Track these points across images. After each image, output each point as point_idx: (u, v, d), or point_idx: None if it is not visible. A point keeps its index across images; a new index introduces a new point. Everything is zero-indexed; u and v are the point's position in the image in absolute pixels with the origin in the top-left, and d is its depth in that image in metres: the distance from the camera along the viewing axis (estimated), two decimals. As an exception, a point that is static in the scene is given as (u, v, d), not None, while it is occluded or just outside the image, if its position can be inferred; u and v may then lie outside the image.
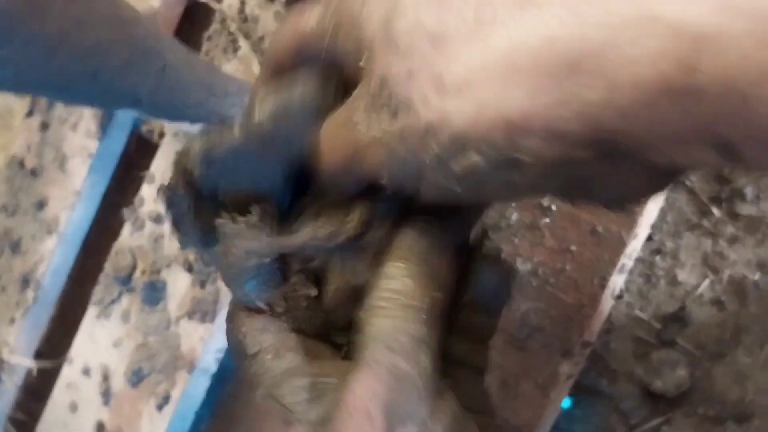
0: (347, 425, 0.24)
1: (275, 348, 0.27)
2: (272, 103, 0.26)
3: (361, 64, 0.23)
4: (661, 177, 0.22)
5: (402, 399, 0.24)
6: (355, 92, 0.24)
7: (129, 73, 0.50)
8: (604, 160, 0.20)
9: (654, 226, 0.70)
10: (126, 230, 0.83)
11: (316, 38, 0.26)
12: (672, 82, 0.17)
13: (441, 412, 0.24)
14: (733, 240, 0.70)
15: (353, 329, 0.26)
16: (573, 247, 0.62)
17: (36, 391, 0.90)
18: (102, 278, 0.83)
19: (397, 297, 0.25)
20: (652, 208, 0.64)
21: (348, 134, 0.24)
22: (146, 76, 0.49)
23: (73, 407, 0.83)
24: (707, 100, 0.17)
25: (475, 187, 0.22)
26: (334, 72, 0.26)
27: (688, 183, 0.72)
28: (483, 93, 0.20)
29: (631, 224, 0.62)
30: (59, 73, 0.46)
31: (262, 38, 0.79)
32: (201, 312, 0.76)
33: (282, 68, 0.28)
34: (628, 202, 0.24)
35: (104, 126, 0.87)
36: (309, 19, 0.26)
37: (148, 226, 0.82)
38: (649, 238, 0.71)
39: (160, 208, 0.82)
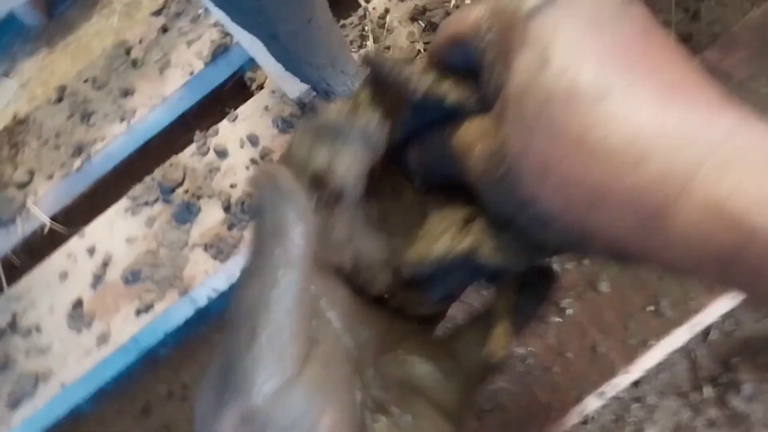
0: None
1: None
2: (428, 82, 0.30)
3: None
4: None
5: None
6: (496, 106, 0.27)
7: (283, 7, 0.54)
8: None
9: (647, 375, 0.71)
10: (189, 150, 0.88)
11: (471, 41, 0.29)
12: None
13: None
14: (710, 424, 0.71)
15: None
16: (569, 354, 0.65)
17: (38, 247, 0.94)
18: (147, 179, 0.87)
19: None
20: (654, 356, 0.66)
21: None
22: (294, 18, 0.54)
23: (63, 276, 0.86)
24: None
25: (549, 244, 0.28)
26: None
27: (694, 354, 0.74)
28: (575, 199, 0.25)
29: (629, 360, 0.64)
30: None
31: (388, 48, 0.84)
32: (217, 249, 0.79)
33: (439, 57, 0.31)
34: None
35: (216, 55, 0.92)
36: (468, 16, 0.29)
37: (210, 156, 0.86)
38: (637, 383, 0.73)
39: (227, 145, 0.86)
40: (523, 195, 0.25)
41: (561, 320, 0.64)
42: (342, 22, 0.88)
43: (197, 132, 0.89)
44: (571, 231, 0.25)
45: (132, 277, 0.82)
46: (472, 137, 0.29)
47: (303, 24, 0.54)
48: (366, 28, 0.85)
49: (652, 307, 0.62)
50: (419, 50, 0.81)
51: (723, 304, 0.63)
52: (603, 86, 0.23)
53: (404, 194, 0.35)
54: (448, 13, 0.81)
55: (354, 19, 0.88)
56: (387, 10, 0.86)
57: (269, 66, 0.71)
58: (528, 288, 0.32)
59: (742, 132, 0.22)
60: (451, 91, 0.30)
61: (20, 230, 0.92)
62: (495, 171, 0.26)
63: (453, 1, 0.81)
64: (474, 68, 0.29)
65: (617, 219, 0.23)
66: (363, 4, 0.89)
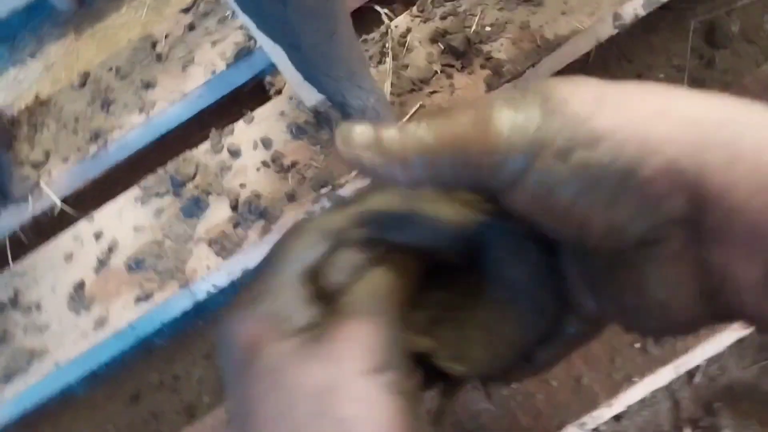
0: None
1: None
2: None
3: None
4: (713, 312, 0.26)
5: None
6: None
7: (308, 20, 0.56)
8: (679, 232, 0.25)
9: (628, 411, 0.73)
10: (204, 146, 0.90)
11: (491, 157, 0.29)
12: None
13: None
14: (687, 465, 0.72)
15: None
16: (553, 382, 0.66)
17: (47, 227, 0.96)
18: (160, 171, 0.89)
19: None
20: (637, 393, 0.67)
21: (472, 120, 0.27)
22: (317, 32, 0.56)
23: (68, 257, 0.88)
24: None
25: (572, 191, 0.25)
26: None
27: (677, 395, 0.75)
28: (636, 114, 0.25)
29: (612, 394, 0.65)
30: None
31: (406, 66, 0.86)
32: (221, 246, 0.81)
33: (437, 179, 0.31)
34: (666, 332, 0.28)
35: (238, 57, 0.94)
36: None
37: (223, 154, 0.88)
38: (618, 418, 0.74)
39: (241, 145, 0.88)
40: (576, 112, 0.25)
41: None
42: (364, 37, 0.90)
43: (213, 130, 0.91)
44: (629, 146, 0.24)
45: (135, 265, 0.83)
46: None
47: (325, 37, 0.56)
48: (387, 45, 0.87)
49: (639, 344, 0.64)
50: (436, 71, 0.83)
51: (710, 347, 0.64)
52: (646, 91, 0.27)
53: None
54: (467, 38, 0.83)
55: (376, 35, 0.90)
56: (409, 30, 0.88)
57: (289, 73, 0.73)
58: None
59: None
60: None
61: (31, 209, 0.94)
62: (538, 101, 0.26)
63: (473, 27, 0.83)
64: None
65: (680, 129, 0.24)
66: (386, 21, 0.91)
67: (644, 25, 0.87)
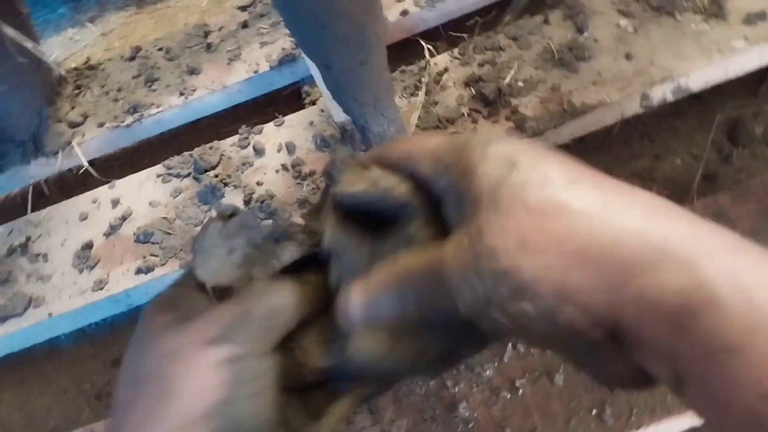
0: None
1: None
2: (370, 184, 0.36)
3: (467, 212, 0.31)
4: (639, 380, 0.30)
5: None
6: (452, 234, 0.32)
7: (342, 45, 0.60)
8: (606, 345, 0.29)
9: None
10: (231, 139, 0.94)
11: (428, 161, 0.34)
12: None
13: None
14: None
15: None
16: (508, 430, 0.68)
17: (69, 184, 1.00)
18: (186, 154, 0.93)
19: None
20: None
21: (428, 265, 0.32)
22: (349, 57, 0.60)
23: (83, 217, 0.92)
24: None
25: (519, 329, 0.29)
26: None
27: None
28: (554, 262, 0.28)
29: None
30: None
31: (436, 103, 0.90)
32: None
33: (385, 165, 0.36)
34: (612, 385, 0.32)
35: (282, 62, 0.98)
36: (429, 144, 0.34)
37: (248, 151, 0.92)
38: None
39: (266, 145, 0.92)
40: (503, 268, 0.29)
41: (510, 396, 0.68)
42: (403, 67, 0.94)
43: (243, 126, 0.95)
44: (547, 297, 0.28)
45: (144, 237, 0.87)
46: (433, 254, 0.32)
47: (357, 64, 0.59)
48: (423, 80, 0.91)
49: (596, 411, 0.66)
50: (463, 113, 0.86)
51: (664, 427, 0.66)
52: (571, 179, 0.29)
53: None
54: (499, 89, 0.86)
55: (415, 68, 0.93)
56: (446, 69, 0.91)
57: (323, 87, 0.77)
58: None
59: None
60: (400, 186, 0.35)
61: (59, 164, 0.99)
62: (469, 257, 0.30)
63: (507, 79, 0.87)
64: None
65: (593, 279, 0.27)
66: (428, 57, 0.94)
67: (671, 109, 0.89)
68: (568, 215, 0.28)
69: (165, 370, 0.32)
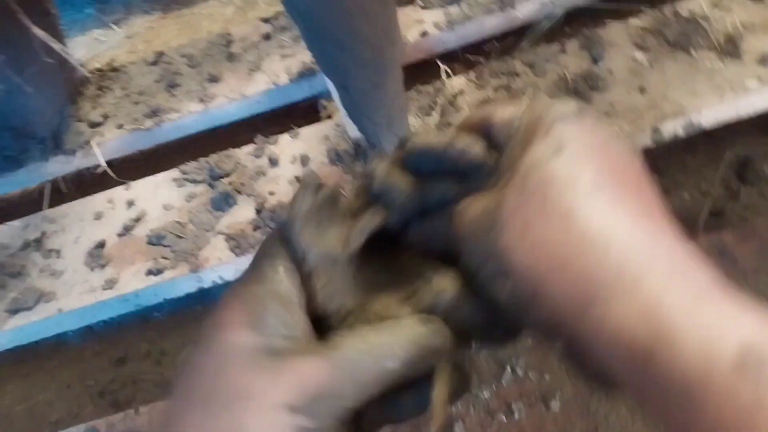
0: None
1: None
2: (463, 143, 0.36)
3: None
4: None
5: None
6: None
7: (360, 68, 0.61)
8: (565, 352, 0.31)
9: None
10: (247, 148, 0.96)
11: (501, 126, 0.35)
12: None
13: None
14: None
15: None
16: (503, 452, 0.69)
17: (86, 183, 1.02)
18: (202, 161, 0.95)
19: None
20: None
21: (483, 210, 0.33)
22: (366, 79, 0.61)
23: (98, 216, 0.94)
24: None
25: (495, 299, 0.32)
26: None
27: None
28: (541, 261, 0.30)
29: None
30: (326, 19, 0.58)
31: (449, 124, 0.91)
32: (237, 243, 0.86)
33: (469, 129, 0.37)
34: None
35: (301, 76, 1.00)
36: (509, 110, 0.35)
37: (263, 160, 0.94)
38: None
39: (281, 156, 0.94)
40: (499, 246, 0.31)
41: (506, 420, 0.69)
42: (419, 86, 0.95)
43: (259, 135, 0.97)
44: (524, 289, 0.30)
45: (156, 239, 0.89)
46: (473, 206, 0.34)
47: (373, 86, 0.61)
48: (437, 101, 0.93)
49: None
50: (476, 137, 0.87)
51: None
52: (597, 185, 0.30)
53: (398, 259, 0.41)
54: (513, 114, 0.87)
55: (431, 88, 0.95)
56: (462, 92, 0.93)
57: (339, 104, 0.79)
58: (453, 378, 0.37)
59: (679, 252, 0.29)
60: (476, 146, 0.35)
61: (77, 162, 1.01)
62: (485, 221, 0.32)
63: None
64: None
65: (567, 289, 0.29)
66: (444, 78, 0.96)
67: (682, 143, 0.90)
68: (569, 224, 0.30)
69: (244, 416, 0.31)
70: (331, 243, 0.37)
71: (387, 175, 0.37)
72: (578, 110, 0.33)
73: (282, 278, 0.35)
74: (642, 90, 0.86)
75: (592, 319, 0.28)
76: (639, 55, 0.90)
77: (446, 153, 0.36)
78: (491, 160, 0.35)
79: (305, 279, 0.36)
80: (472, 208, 0.33)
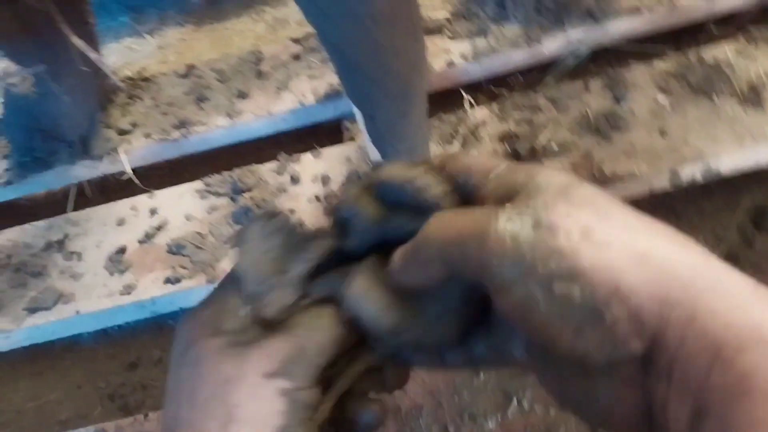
0: None
1: None
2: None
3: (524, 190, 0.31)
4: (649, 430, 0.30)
5: None
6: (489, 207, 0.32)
7: (387, 99, 0.63)
8: (630, 366, 0.29)
9: None
10: (270, 165, 0.97)
11: (483, 175, 0.35)
12: None
13: None
14: None
15: None
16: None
17: (111, 189, 1.04)
18: (225, 174, 0.97)
19: None
20: None
21: (474, 220, 0.31)
22: (393, 110, 0.63)
23: (121, 222, 0.96)
24: None
25: (547, 313, 0.29)
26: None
27: None
28: (615, 259, 0.28)
29: None
30: (357, 52, 0.60)
31: (465, 152, 0.92)
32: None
33: (447, 172, 0.37)
34: (598, 420, 0.32)
35: (328, 97, 1.02)
36: (490, 164, 0.35)
37: (285, 177, 0.95)
38: None
39: (302, 175, 0.95)
40: (560, 246, 0.28)
41: None
42: (442, 114, 0.97)
43: (283, 153, 0.99)
44: (600, 287, 0.27)
45: (176, 248, 0.91)
46: (462, 212, 0.34)
47: (398, 115, 0.63)
48: (459, 130, 0.94)
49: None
50: (496, 169, 0.89)
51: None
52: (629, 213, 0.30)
53: None
54: (533, 148, 0.89)
55: (453, 117, 0.97)
56: (483, 122, 0.95)
57: (363, 129, 0.81)
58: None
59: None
60: (436, 187, 0.36)
61: (103, 168, 1.03)
62: (534, 224, 0.29)
63: (542, 140, 0.89)
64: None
65: (650, 284, 0.27)
66: (467, 108, 0.98)
67: (699, 187, 0.91)
68: (634, 229, 0.29)
69: (230, 396, 0.34)
70: (268, 269, 0.39)
71: (355, 199, 0.39)
72: (567, 184, 0.31)
73: (228, 300, 0.38)
74: (662, 132, 0.88)
75: (683, 311, 0.27)
76: (661, 98, 0.91)
77: (406, 186, 0.37)
78: (447, 203, 0.36)
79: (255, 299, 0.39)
80: (505, 210, 0.31)
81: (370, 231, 0.39)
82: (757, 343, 0.25)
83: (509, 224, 0.30)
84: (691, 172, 0.85)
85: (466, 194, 0.35)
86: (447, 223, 0.33)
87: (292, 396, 0.34)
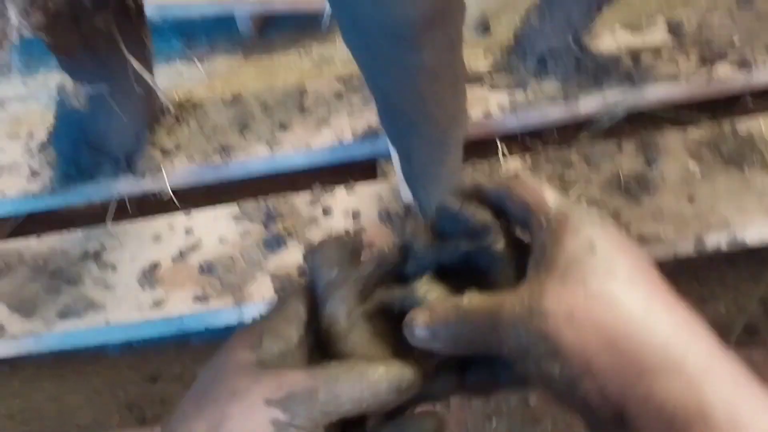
0: None
1: None
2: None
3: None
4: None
5: None
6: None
7: (426, 146, 0.66)
8: (611, 424, 0.34)
9: None
10: (304, 195, 1.01)
11: (535, 213, 0.39)
12: None
13: None
14: None
15: None
16: None
17: (150, 205, 1.08)
18: (261, 201, 1.01)
19: None
20: None
21: (487, 311, 0.37)
22: (428, 155, 0.66)
23: (157, 238, 1.00)
24: None
25: (545, 383, 0.35)
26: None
27: None
28: (590, 342, 0.34)
29: None
30: (401, 99, 0.63)
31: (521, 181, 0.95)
32: (281, 285, 0.90)
33: (492, 195, 0.42)
34: None
35: (365, 136, 1.06)
36: (540, 193, 0.40)
37: (317, 209, 0.99)
38: None
39: (335, 208, 0.98)
40: (547, 330, 0.34)
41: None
42: (475, 161, 1.00)
43: (318, 184, 1.02)
44: (575, 367, 0.34)
45: (207, 268, 0.94)
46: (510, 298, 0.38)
47: (434, 161, 0.66)
48: (491, 178, 0.96)
49: None
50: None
51: None
52: (632, 279, 0.35)
53: None
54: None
55: (486, 165, 0.99)
56: (515, 174, 0.97)
57: (398, 169, 0.83)
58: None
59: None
60: (483, 214, 0.41)
61: (145, 185, 1.07)
62: (527, 309, 0.36)
63: (571, 195, 0.91)
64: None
65: (616, 365, 0.33)
66: (500, 157, 1.00)
67: (724, 256, 0.92)
68: (615, 309, 0.34)
69: (228, 407, 0.37)
70: (336, 279, 0.43)
71: (414, 231, 0.44)
72: (600, 215, 0.39)
73: (288, 315, 0.42)
74: (691, 199, 0.89)
75: (639, 391, 0.32)
76: (692, 165, 0.93)
77: (459, 214, 0.42)
78: (495, 225, 0.41)
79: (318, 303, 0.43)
80: (510, 298, 0.37)
81: (426, 257, 0.44)
82: (703, 420, 0.31)
83: (514, 317, 0.36)
84: (717, 240, 0.86)
85: (505, 216, 0.42)
86: (467, 312, 0.38)
87: (282, 429, 0.36)
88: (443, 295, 0.42)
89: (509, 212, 0.41)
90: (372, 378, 0.38)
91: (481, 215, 0.41)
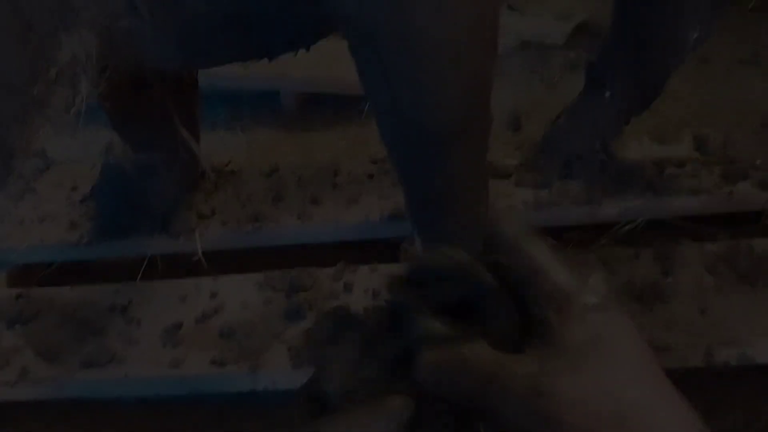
0: None
1: None
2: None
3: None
4: None
5: None
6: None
7: (448, 231, 0.70)
8: None
9: None
10: (328, 270, 1.05)
11: (542, 284, 0.38)
12: None
13: None
14: None
15: None
16: None
17: (180, 265, 1.12)
18: (285, 271, 1.05)
19: None
20: None
21: (495, 381, 0.37)
22: (449, 240, 0.70)
23: (182, 299, 1.04)
24: None
25: None
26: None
27: None
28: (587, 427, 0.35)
29: None
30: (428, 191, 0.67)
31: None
32: (298, 355, 0.93)
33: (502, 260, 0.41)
34: None
35: (392, 217, 1.10)
36: (553, 270, 0.38)
37: (339, 285, 1.03)
38: None
39: (356, 285, 1.02)
40: (552, 412, 0.35)
41: None
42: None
43: (342, 261, 1.06)
44: None
45: (227, 332, 0.97)
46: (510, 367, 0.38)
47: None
48: (510, 272, 0.99)
49: None
50: (538, 316, 0.93)
51: None
52: (639, 373, 0.37)
53: None
54: (577, 303, 0.93)
55: (507, 260, 1.02)
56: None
57: (420, 251, 0.87)
58: None
59: None
60: (487, 277, 0.39)
61: (177, 246, 1.12)
62: (531, 386, 0.36)
63: (586, 297, 0.94)
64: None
65: None
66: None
67: (734, 371, 0.93)
68: (621, 401, 0.35)
69: None
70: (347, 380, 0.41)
71: (400, 294, 0.41)
72: (605, 297, 0.38)
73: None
74: (703, 312, 0.91)
75: None
76: (707, 279, 0.95)
77: (465, 273, 0.40)
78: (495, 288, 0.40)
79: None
80: (515, 367, 0.37)
81: (421, 317, 0.42)
82: None
83: (518, 388, 0.36)
84: (726, 354, 0.88)
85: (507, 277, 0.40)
86: (472, 365, 0.38)
87: None
88: (446, 334, 0.40)
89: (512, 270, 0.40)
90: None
91: (486, 279, 0.40)
